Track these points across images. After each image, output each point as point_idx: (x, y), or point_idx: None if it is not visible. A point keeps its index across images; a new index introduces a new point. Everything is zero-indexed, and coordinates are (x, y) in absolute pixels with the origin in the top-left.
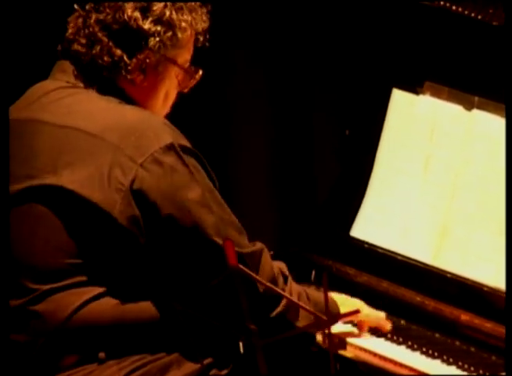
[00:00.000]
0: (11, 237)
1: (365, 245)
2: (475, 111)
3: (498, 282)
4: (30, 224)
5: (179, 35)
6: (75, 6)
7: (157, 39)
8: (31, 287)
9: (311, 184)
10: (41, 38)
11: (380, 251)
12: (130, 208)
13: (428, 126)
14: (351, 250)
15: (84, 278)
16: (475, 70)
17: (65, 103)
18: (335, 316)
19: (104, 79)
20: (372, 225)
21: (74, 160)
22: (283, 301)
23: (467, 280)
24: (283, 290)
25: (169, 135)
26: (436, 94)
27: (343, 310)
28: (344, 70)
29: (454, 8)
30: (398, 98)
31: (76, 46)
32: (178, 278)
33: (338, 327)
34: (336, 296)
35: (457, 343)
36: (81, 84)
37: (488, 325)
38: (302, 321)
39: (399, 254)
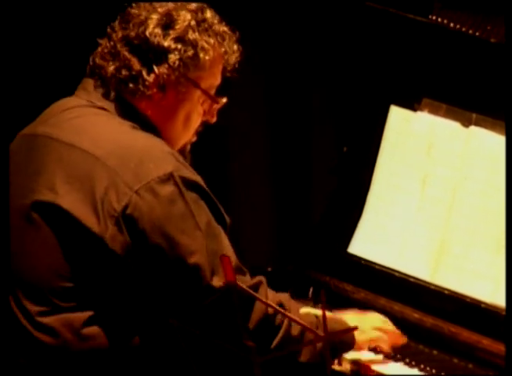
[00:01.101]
0: (12, 250)
1: (363, 262)
2: (473, 128)
3: (496, 299)
4: (28, 238)
5: (201, 56)
6: (108, 30)
7: (177, 57)
8: (24, 304)
9: (309, 201)
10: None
11: (377, 267)
12: (121, 235)
13: (426, 143)
14: (348, 266)
15: (76, 302)
16: (473, 86)
17: (78, 122)
18: (333, 333)
19: (122, 97)
20: (370, 241)
21: (74, 180)
22: (281, 333)
23: (465, 297)
24: (282, 322)
25: (170, 164)
26: (434, 111)
27: (362, 338)
28: (342, 86)
29: (452, 25)
30: (396, 114)
31: (99, 60)
32: (171, 298)
33: (364, 355)
34: (353, 320)
35: (455, 360)
36: (99, 103)
37: (485, 342)
38: (304, 355)
39: (397, 271)
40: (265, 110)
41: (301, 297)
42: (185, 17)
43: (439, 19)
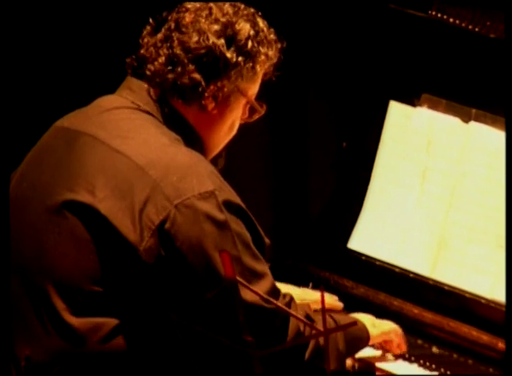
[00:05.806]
0: (43, 246)
1: (363, 257)
2: (472, 123)
3: (495, 294)
4: (61, 235)
5: (257, 68)
6: (150, 21)
7: (237, 69)
8: (53, 301)
9: (308, 195)
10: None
11: (377, 263)
12: (156, 248)
13: (425, 138)
14: (348, 262)
15: (103, 308)
16: (472, 82)
17: (124, 125)
18: (332, 328)
19: (168, 103)
20: (369, 237)
21: (114, 186)
22: (311, 345)
23: (465, 292)
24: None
25: (212, 183)
26: (433, 106)
27: (375, 332)
28: (340, 82)
29: (451, 20)
30: (395, 110)
31: (151, 66)
32: (176, 294)
33: (366, 352)
34: (364, 318)
35: (455, 356)
36: (145, 107)
37: (485, 337)
38: (333, 364)
39: (397, 267)
40: None
41: None
42: (245, 28)
43: (438, 15)
